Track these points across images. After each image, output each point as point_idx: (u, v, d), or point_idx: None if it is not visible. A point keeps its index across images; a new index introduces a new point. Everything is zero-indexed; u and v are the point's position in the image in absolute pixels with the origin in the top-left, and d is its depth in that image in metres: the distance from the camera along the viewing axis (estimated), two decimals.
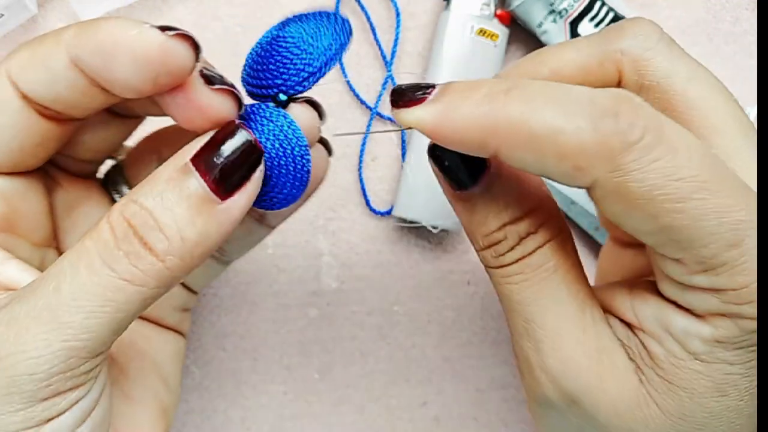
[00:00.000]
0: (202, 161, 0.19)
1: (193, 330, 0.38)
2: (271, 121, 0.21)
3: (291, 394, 0.38)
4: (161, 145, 0.26)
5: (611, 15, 0.38)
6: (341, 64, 0.38)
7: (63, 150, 0.24)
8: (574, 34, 0.37)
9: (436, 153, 0.22)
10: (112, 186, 0.27)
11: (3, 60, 0.20)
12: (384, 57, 0.39)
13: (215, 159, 0.19)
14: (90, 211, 0.26)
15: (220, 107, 0.20)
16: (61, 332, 0.18)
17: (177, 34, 0.18)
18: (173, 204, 0.19)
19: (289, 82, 0.21)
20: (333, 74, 0.38)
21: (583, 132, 0.18)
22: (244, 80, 0.22)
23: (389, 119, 0.39)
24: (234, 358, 0.38)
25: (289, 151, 0.21)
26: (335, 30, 0.22)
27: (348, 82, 0.38)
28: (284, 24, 0.22)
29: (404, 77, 0.39)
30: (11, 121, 0.20)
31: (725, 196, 0.19)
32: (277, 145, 0.21)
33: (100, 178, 0.28)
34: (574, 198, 0.39)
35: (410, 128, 0.20)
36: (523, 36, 0.39)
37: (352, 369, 0.39)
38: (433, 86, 0.20)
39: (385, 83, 0.38)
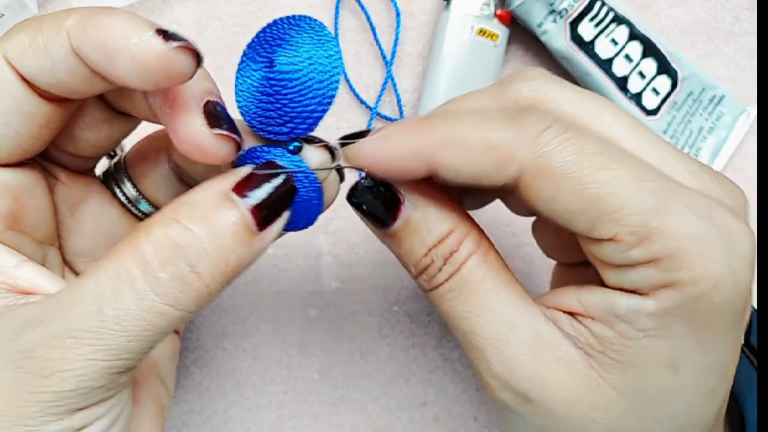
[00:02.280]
0: (247, 194, 0.20)
1: (193, 330, 0.38)
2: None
3: (291, 394, 0.38)
4: (169, 145, 0.26)
5: (611, 15, 0.38)
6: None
7: (64, 146, 0.24)
8: (574, 33, 0.37)
9: (353, 200, 0.24)
10: (114, 183, 0.27)
11: None
12: (384, 57, 0.39)
13: (259, 193, 0.20)
14: (93, 209, 0.25)
15: (219, 151, 0.20)
16: (104, 354, 0.19)
17: (179, 47, 0.18)
18: (221, 231, 0.19)
19: (301, 127, 0.21)
20: None
21: (503, 127, 0.21)
22: (250, 125, 0.22)
23: (389, 119, 0.39)
24: (234, 357, 0.38)
25: (306, 196, 0.22)
26: (325, 52, 0.21)
27: (348, 82, 0.38)
28: (268, 54, 0.21)
29: (404, 77, 0.39)
30: (16, 106, 0.20)
31: (637, 167, 0.20)
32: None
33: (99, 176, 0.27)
34: None
35: (354, 167, 0.23)
36: (523, 36, 0.39)
37: (352, 369, 0.39)
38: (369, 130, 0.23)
39: (385, 83, 0.38)
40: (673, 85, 0.39)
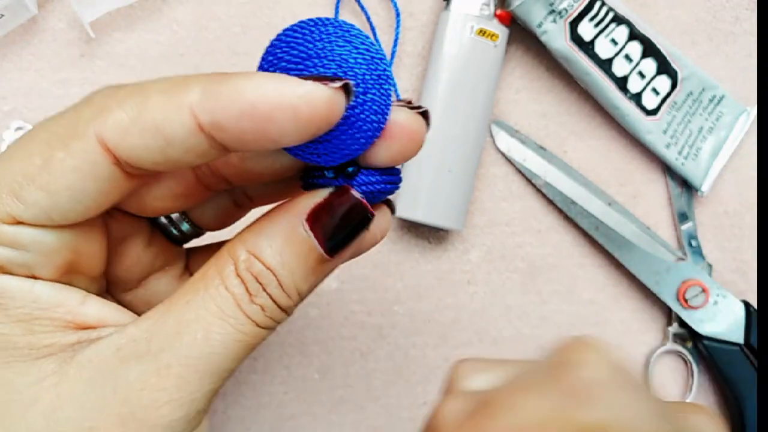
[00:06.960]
0: (317, 223, 0.20)
1: None
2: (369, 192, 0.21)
3: (291, 394, 0.38)
4: (227, 166, 0.25)
5: (611, 15, 0.38)
6: None
7: (130, 209, 0.23)
8: (574, 33, 0.37)
9: None
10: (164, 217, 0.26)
11: (90, 119, 0.18)
12: None
13: (330, 223, 0.20)
14: (137, 245, 0.25)
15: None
16: (213, 377, 0.19)
17: (340, 86, 0.17)
18: (295, 265, 0.20)
19: (355, 153, 0.20)
20: None
21: None
22: (301, 154, 0.20)
23: None
24: None
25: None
26: (380, 58, 0.19)
27: None
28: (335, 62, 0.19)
29: (404, 77, 0.39)
30: (97, 186, 0.19)
31: None
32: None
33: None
34: (574, 198, 0.39)
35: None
36: (522, 36, 0.39)
37: (351, 369, 0.39)
38: None
39: None
40: (673, 85, 0.39)
